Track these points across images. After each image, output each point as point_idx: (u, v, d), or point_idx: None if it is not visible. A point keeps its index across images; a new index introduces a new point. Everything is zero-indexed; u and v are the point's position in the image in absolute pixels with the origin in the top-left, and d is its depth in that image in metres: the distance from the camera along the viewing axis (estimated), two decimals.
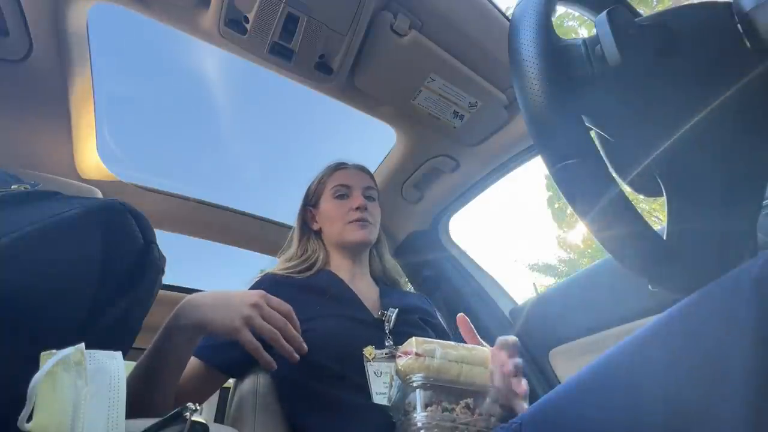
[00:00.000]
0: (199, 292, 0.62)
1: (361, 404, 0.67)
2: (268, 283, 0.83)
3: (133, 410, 0.58)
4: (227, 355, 0.72)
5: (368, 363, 0.71)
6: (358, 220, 0.88)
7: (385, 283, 0.96)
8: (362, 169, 1.00)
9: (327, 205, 0.93)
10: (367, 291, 0.88)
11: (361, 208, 0.89)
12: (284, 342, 0.61)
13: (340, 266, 0.90)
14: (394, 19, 0.83)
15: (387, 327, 0.78)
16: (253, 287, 0.82)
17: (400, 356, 0.59)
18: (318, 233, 0.95)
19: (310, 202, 0.98)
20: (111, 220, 0.45)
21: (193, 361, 0.70)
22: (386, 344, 0.75)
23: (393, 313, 0.79)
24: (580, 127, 0.39)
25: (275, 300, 0.63)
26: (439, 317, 0.94)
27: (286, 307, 0.64)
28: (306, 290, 0.82)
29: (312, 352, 0.70)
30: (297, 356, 0.62)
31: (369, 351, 0.72)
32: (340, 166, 0.98)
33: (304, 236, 0.95)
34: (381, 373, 0.70)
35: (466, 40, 0.88)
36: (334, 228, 0.90)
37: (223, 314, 0.58)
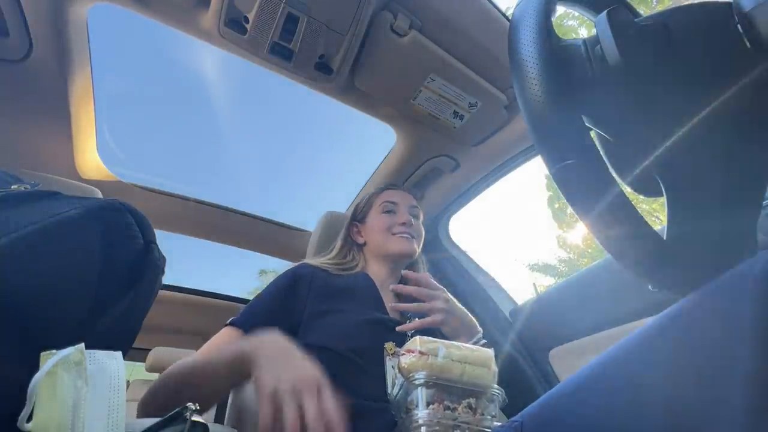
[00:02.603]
0: (276, 340, 0.57)
1: (364, 405, 0.67)
2: (305, 268, 0.86)
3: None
4: (261, 328, 0.73)
5: (388, 357, 0.73)
6: (402, 233, 0.93)
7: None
8: (409, 191, 1.06)
9: (374, 218, 0.98)
10: (393, 299, 0.91)
11: (407, 223, 0.94)
12: None
13: (376, 273, 0.94)
14: (394, 19, 0.83)
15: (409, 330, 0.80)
16: (289, 269, 0.85)
17: (403, 354, 0.59)
18: (361, 246, 1.00)
19: (357, 218, 1.03)
20: (111, 220, 0.45)
21: (229, 331, 0.73)
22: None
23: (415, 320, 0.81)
24: (580, 127, 0.39)
25: (329, 397, 0.50)
26: None
27: (336, 416, 0.48)
28: (336, 285, 0.85)
29: (336, 344, 0.72)
30: None
31: (390, 346, 0.74)
32: (389, 187, 1.05)
33: (346, 247, 1.00)
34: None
35: (466, 40, 0.88)
36: (379, 239, 0.94)
37: (269, 367, 0.51)
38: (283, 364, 0.52)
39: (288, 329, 0.76)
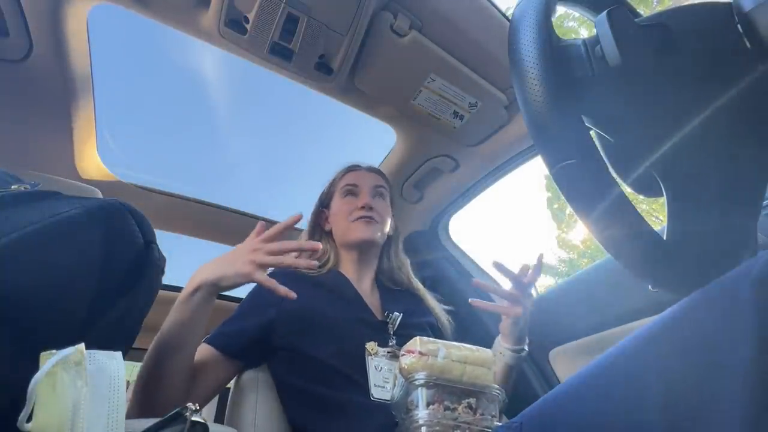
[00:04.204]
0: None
1: (361, 404, 0.67)
2: (280, 276, 0.84)
3: (150, 387, 0.61)
4: (235, 340, 0.74)
5: (369, 357, 0.72)
6: (362, 218, 0.88)
7: (388, 284, 0.96)
8: (373, 170, 1.01)
9: (336, 204, 0.94)
10: (371, 293, 0.89)
11: (367, 206, 0.89)
12: (297, 261, 0.65)
13: (348, 266, 0.91)
14: (394, 19, 0.83)
15: (391, 329, 0.79)
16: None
17: (404, 354, 0.59)
18: (329, 234, 0.96)
19: (324, 204, 0.99)
20: (111, 220, 0.45)
21: (205, 348, 0.72)
22: (390, 344, 0.76)
23: (398, 318, 0.80)
24: (580, 127, 0.39)
25: (269, 237, 0.66)
26: (435, 317, 0.93)
27: (284, 244, 0.67)
28: (316, 287, 0.83)
29: (317, 348, 0.71)
30: (315, 263, 0.67)
31: (371, 346, 0.73)
32: (351, 168, 1.00)
33: (316, 236, 0.96)
34: (381, 368, 0.71)
35: (466, 40, 0.88)
36: (341, 226, 0.91)
37: (232, 266, 0.62)
38: (232, 259, 0.63)
39: (263, 341, 0.76)
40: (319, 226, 0.97)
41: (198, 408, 0.37)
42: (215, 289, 0.63)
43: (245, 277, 0.62)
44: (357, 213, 0.89)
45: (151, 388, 0.62)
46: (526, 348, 0.81)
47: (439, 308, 0.94)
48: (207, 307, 0.64)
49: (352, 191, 0.94)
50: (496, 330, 0.86)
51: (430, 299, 0.95)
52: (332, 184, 0.99)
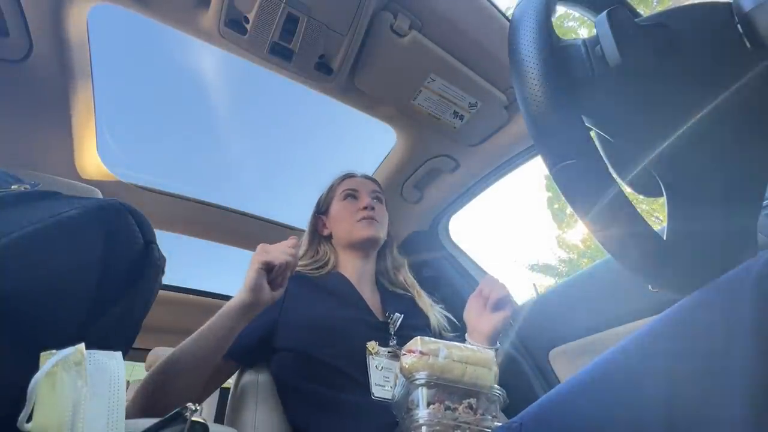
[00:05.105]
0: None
1: (361, 403, 0.67)
2: None
3: (157, 395, 0.62)
4: (238, 345, 0.74)
5: (370, 356, 0.72)
6: (366, 218, 0.91)
7: (388, 286, 0.97)
8: (369, 178, 1.05)
9: (337, 207, 0.97)
10: (371, 294, 0.90)
11: (369, 207, 0.92)
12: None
13: (349, 268, 0.92)
14: (394, 19, 0.83)
15: (392, 329, 0.79)
16: None
17: (405, 354, 0.59)
18: (328, 238, 0.98)
19: (321, 210, 1.02)
20: (111, 220, 0.45)
21: None
22: (390, 344, 0.76)
23: (399, 319, 0.81)
24: (580, 127, 0.39)
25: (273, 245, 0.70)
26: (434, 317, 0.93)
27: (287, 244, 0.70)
28: (317, 289, 0.84)
29: (318, 349, 0.72)
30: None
31: (372, 345, 0.74)
32: (348, 175, 1.04)
33: (315, 241, 0.98)
34: (381, 367, 0.72)
35: (466, 40, 0.88)
36: (344, 227, 0.93)
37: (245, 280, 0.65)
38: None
39: (264, 342, 0.77)
40: (317, 232, 1.00)
41: (198, 408, 0.37)
42: (246, 305, 0.65)
43: (253, 273, 0.65)
44: (361, 213, 0.92)
45: (158, 396, 0.63)
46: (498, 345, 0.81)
47: (432, 310, 0.93)
48: (237, 326, 0.66)
49: (352, 195, 0.97)
50: None
51: (425, 299, 0.96)
52: (330, 190, 1.02)
